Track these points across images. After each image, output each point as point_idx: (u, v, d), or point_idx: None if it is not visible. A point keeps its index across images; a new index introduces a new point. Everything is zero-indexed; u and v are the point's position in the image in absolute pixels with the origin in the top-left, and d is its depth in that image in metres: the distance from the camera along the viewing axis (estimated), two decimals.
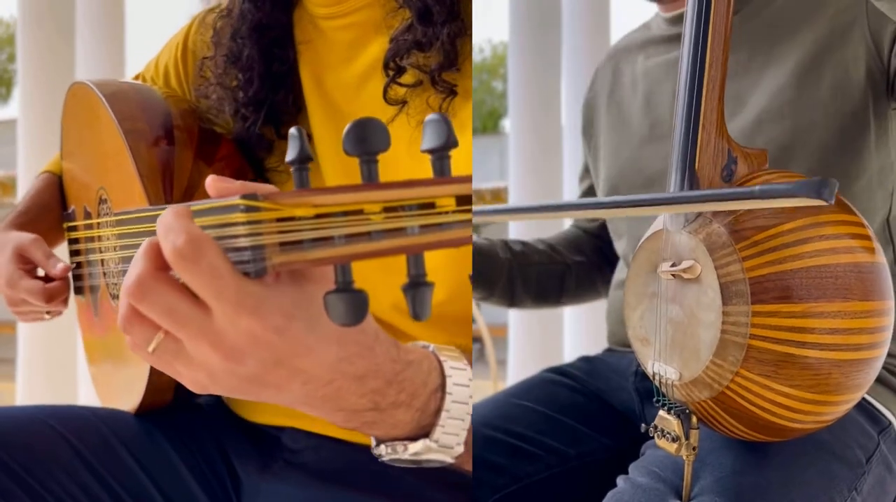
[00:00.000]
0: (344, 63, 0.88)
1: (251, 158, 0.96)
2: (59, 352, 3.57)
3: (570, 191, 3.87)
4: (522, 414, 1.06)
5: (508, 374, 4.32)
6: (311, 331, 0.53)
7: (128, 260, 0.72)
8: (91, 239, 1.02)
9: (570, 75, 4.27)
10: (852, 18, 0.90)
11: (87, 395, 3.40)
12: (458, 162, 0.55)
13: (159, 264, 0.51)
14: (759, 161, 0.75)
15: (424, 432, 0.62)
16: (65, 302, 0.99)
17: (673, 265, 0.73)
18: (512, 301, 1.20)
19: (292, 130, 0.51)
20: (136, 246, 0.68)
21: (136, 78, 1.13)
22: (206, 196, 0.54)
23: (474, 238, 1.14)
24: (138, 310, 0.52)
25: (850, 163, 0.91)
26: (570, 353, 3.98)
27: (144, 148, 0.88)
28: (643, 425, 0.79)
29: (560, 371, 1.14)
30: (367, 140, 0.50)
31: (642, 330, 0.79)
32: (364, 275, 0.54)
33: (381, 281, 0.66)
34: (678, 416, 0.74)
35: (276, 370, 0.53)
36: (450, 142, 0.51)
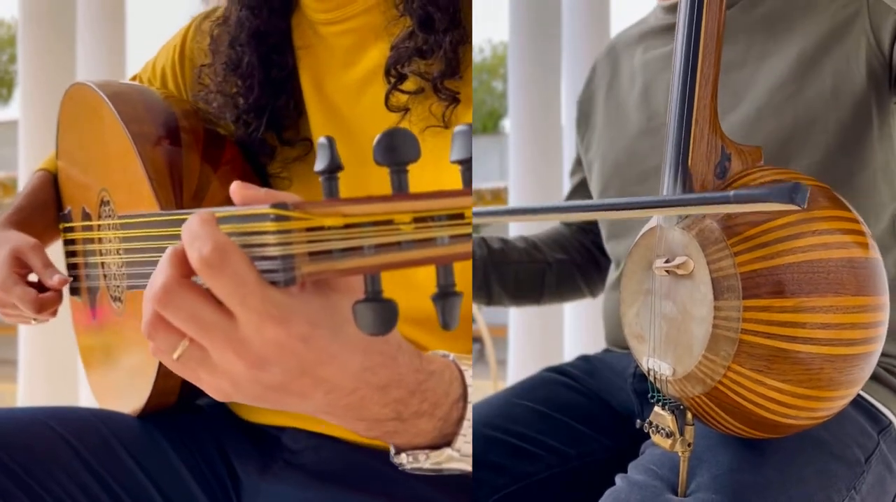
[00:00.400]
0: (344, 68, 0.88)
1: (253, 164, 0.95)
2: (60, 353, 3.57)
3: None
4: (522, 413, 1.05)
5: (508, 374, 4.32)
6: (336, 340, 0.53)
7: (132, 263, 0.72)
8: (91, 240, 1.01)
9: (570, 75, 4.27)
10: (853, 11, 0.89)
11: (87, 397, 3.40)
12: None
13: (185, 271, 0.51)
14: (754, 157, 0.75)
15: (446, 441, 0.62)
16: (54, 313, 0.98)
17: (667, 261, 0.73)
18: (489, 299, 1.21)
19: (322, 140, 0.51)
20: (143, 250, 0.68)
21: (133, 79, 1.12)
22: (216, 199, 0.54)
23: None
24: (163, 316, 0.52)
25: (853, 157, 0.90)
26: (570, 353, 3.98)
27: (152, 150, 0.88)
28: (638, 421, 0.79)
29: (560, 370, 1.14)
30: (397, 150, 0.50)
31: (637, 327, 0.79)
32: None
33: (384, 289, 0.66)
34: (672, 412, 0.74)
35: (301, 379, 0.53)
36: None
